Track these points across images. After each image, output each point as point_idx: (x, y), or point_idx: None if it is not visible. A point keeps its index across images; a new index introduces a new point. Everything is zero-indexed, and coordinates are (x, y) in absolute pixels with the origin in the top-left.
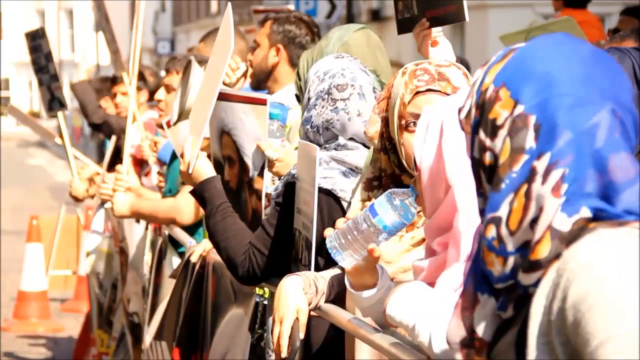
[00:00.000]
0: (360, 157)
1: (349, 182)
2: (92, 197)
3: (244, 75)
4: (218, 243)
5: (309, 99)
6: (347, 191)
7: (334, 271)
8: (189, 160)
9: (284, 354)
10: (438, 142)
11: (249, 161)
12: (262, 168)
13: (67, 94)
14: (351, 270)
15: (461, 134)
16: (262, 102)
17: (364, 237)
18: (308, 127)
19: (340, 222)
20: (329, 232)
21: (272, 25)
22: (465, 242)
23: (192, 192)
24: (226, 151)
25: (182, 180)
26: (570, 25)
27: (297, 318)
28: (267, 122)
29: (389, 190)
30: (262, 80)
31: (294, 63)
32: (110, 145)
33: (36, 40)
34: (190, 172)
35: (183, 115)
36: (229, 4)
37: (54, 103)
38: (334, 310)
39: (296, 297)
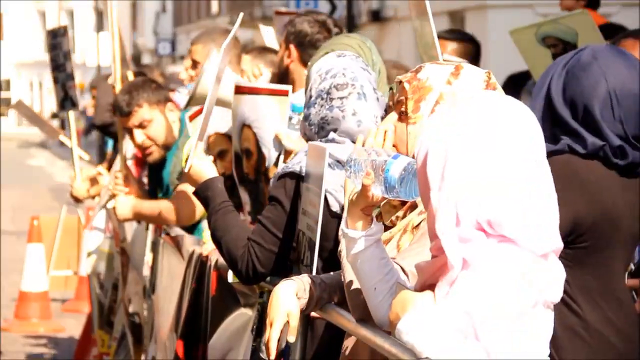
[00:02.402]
0: (347, 151)
1: (333, 173)
2: (93, 197)
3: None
4: (219, 239)
5: (310, 96)
6: (329, 182)
7: (336, 275)
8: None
9: (271, 357)
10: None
11: (267, 152)
12: (278, 158)
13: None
14: (350, 205)
15: (450, 135)
16: (284, 93)
17: (371, 167)
18: (307, 124)
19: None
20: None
21: (288, 27)
22: (445, 246)
23: (195, 193)
24: (245, 144)
25: (176, 182)
26: (584, 19)
27: (287, 322)
28: (287, 113)
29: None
30: (280, 80)
31: (305, 63)
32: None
33: (57, 38)
34: (185, 171)
35: (192, 100)
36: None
37: (66, 102)
38: (334, 310)
39: (288, 301)
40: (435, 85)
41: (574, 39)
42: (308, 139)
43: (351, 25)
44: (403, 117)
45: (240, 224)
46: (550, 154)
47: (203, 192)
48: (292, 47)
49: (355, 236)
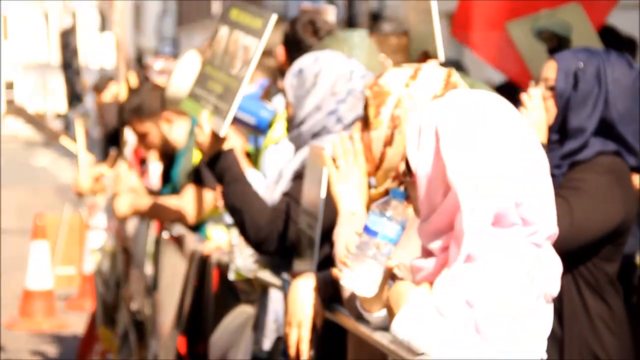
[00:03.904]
0: None
1: None
2: (96, 193)
3: None
4: (239, 207)
5: (333, 93)
6: None
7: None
8: (214, 128)
9: (303, 358)
10: (435, 146)
11: None
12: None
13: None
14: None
15: (462, 135)
16: None
17: (374, 260)
18: (334, 118)
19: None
20: (338, 272)
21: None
22: (467, 242)
23: (209, 163)
24: None
25: (184, 180)
26: (576, 12)
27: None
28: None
29: (370, 210)
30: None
31: (291, 64)
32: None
33: (66, 38)
34: (222, 136)
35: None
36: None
37: (74, 99)
38: (334, 309)
39: (312, 300)
40: (394, 89)
41: (568, 34)
42: (326, 129)
43: (351, 25)
44: (367, 123)
45: (260, 196)
46: (599, 153)
47: (219, 161)
48: (280, 48)
49: (380, 316)
